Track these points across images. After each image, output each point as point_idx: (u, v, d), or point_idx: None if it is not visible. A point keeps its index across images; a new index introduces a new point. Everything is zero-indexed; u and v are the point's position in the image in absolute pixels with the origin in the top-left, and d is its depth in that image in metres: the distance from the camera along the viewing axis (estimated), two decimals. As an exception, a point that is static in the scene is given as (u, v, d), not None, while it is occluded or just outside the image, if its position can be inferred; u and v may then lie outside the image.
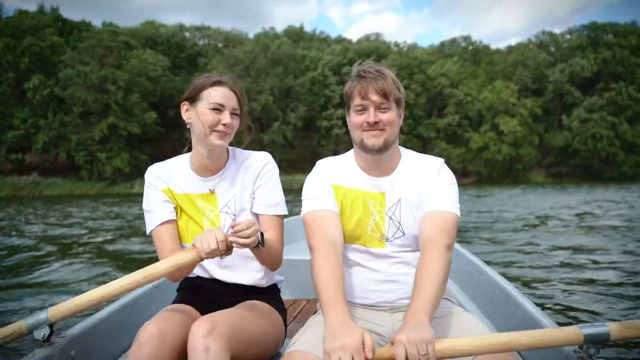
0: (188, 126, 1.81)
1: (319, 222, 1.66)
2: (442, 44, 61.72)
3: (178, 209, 1.82)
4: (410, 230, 1.69)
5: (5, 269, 6.88)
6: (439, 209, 1.65)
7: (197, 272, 1.88)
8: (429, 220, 1.64)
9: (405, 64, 51.61)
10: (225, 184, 1.83)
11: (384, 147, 1.66)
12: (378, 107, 1.64)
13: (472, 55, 59.50)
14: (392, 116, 1.65)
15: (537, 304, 2.01)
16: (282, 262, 1.88)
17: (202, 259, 1.58)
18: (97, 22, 52.96)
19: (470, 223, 11.76)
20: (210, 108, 1.72)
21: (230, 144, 1.86)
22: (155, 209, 1.80)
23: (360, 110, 1.65)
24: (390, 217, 1.69)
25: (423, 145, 53.06)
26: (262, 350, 1.72)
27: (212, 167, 1.82)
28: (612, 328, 1.34)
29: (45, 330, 1.59)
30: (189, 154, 1.87)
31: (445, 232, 1.60)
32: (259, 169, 1.85)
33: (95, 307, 1.61)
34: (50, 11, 50.46)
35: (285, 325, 1.92)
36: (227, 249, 1.58)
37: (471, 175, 53.84)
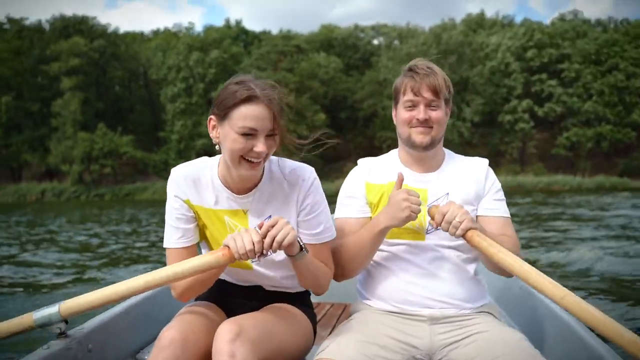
0: (216, 145, 1.61)
1: (347, 230, 1.81)
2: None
3: (201, 222, 1.71)
4: None
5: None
6: (498, 215, 1.80)
7: (223, 276, 1.82)
8: (494, 226, 1.76)
9: (611, 41, 44.64)
10: (260, 203, 1.69)
11: (431, 145, 1.76)
12: (428, 105, 1.73)
13: None
14: (440, 114, 1.75)
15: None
16: (328, 287, 1.76)
17: (233, 261, 1.49)
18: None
19: None
20: (240, 133, 1.50)
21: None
22: (174, 225, 1.68)
23: (410, 107, 1.74)
24: None
25: (638, 137, 46.42)
26: (289, 358, 1.65)
27: (243, 186, 1.67)
28: None
29: (61, 325, 1.60)
30: (217, 161, 1.70)
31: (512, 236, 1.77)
32: (306, 190, 1.69)
33: (108, 304, 1.61)
34: (234, 25, 57.01)
35: (315, 332, 1.85)
36: (262, 252, 1.48)
37: None
